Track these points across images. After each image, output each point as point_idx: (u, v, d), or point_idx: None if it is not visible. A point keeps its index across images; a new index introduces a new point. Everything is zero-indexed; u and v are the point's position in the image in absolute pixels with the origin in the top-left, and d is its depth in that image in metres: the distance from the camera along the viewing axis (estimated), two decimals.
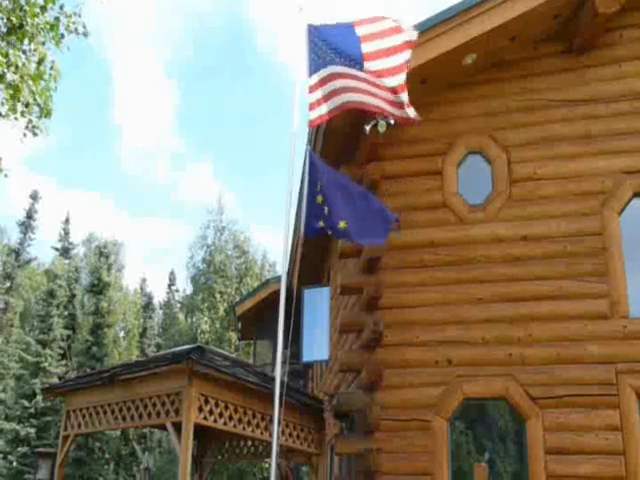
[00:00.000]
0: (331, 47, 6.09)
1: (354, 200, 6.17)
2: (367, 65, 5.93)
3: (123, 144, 75.31)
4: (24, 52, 6.84)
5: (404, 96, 5.89)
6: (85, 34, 7.17)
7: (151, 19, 72.01)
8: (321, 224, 6.04)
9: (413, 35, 6.02)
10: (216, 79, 74.40)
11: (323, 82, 6.02)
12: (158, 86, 73.82)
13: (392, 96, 5.89)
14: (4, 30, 6.63)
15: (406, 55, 5.98)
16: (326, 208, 6.02)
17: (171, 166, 75.40)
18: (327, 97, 6.01)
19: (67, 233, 44.08)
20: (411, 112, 5.88)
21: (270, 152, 72.35)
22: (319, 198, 6.05)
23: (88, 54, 66.06)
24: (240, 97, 74.02)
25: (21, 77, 6.77)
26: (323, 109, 6.01)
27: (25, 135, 7.23)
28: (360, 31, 6.05)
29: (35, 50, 6.87)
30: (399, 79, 5.91)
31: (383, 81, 5.92)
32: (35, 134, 7.29)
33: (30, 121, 7.20)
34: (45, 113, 7.21)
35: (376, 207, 6.26)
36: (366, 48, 6.00)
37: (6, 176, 7.50)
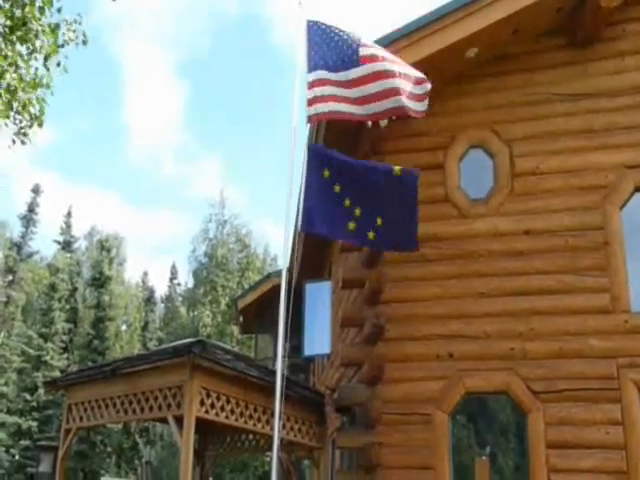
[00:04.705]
0: (329, 49, 6.10)
1: (389, 197, 6.08)
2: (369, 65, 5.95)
3: (130, 139, 75.31)
4: (28, 49, 6.66)
5: (426, 86, 6.01)
6: (85, 42, 6.97)
7: (159, 15, 71.79)
8: (351, 227, 5.98)
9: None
10: (225, 74, 74.19)
11: (322, 82, 6.01)
12: (167, 82, 73.83)
13: (410, 86, 5.92)
14: (6, 26, 6.48)
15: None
16: (357, 210, 5.98)
17: (177, 161, 75.35)
18: (326, 98, 5.99)
19: (69, 226, 44.10)
20: (422, 106, 5.88)
21: (275, 149, 72.27)
22: (346, 202, 5.97)
23: (96, 50, 65.82)
24: (248, 94, 73.83)
25: (20, 78, 6.63)
26: (321, 108, 6.00)
27: (14, 142, 7.00)
28: (362, 50, 6.05)
29: (41, 48, 6.69)
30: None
31: (406, 69, 5.98)
32: (24, 142, 7.04)
33: (21, 128, 6.98)
34: (38, 122, 7.01)
35: (412, 207, 6.13)
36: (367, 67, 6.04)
37: None
